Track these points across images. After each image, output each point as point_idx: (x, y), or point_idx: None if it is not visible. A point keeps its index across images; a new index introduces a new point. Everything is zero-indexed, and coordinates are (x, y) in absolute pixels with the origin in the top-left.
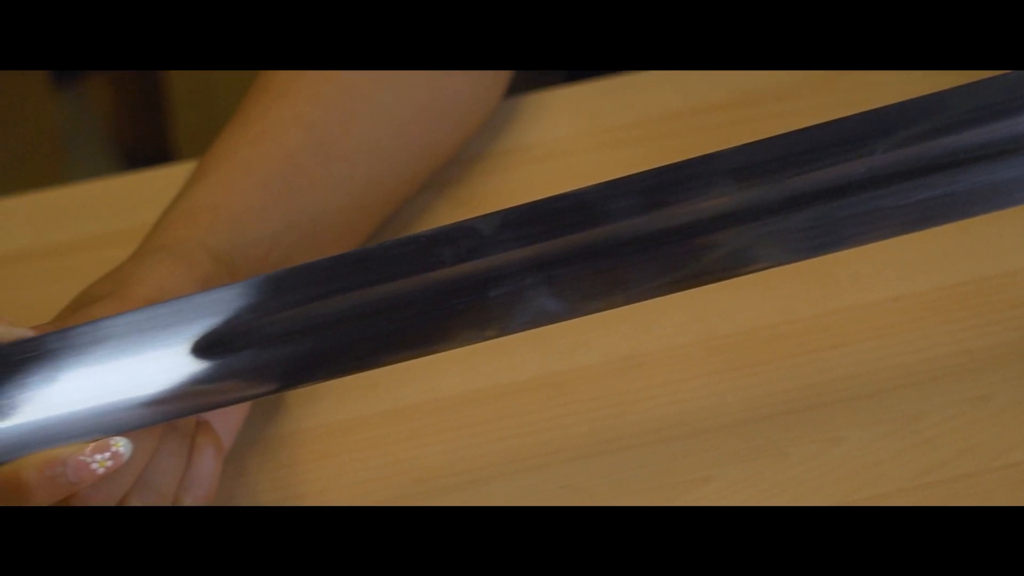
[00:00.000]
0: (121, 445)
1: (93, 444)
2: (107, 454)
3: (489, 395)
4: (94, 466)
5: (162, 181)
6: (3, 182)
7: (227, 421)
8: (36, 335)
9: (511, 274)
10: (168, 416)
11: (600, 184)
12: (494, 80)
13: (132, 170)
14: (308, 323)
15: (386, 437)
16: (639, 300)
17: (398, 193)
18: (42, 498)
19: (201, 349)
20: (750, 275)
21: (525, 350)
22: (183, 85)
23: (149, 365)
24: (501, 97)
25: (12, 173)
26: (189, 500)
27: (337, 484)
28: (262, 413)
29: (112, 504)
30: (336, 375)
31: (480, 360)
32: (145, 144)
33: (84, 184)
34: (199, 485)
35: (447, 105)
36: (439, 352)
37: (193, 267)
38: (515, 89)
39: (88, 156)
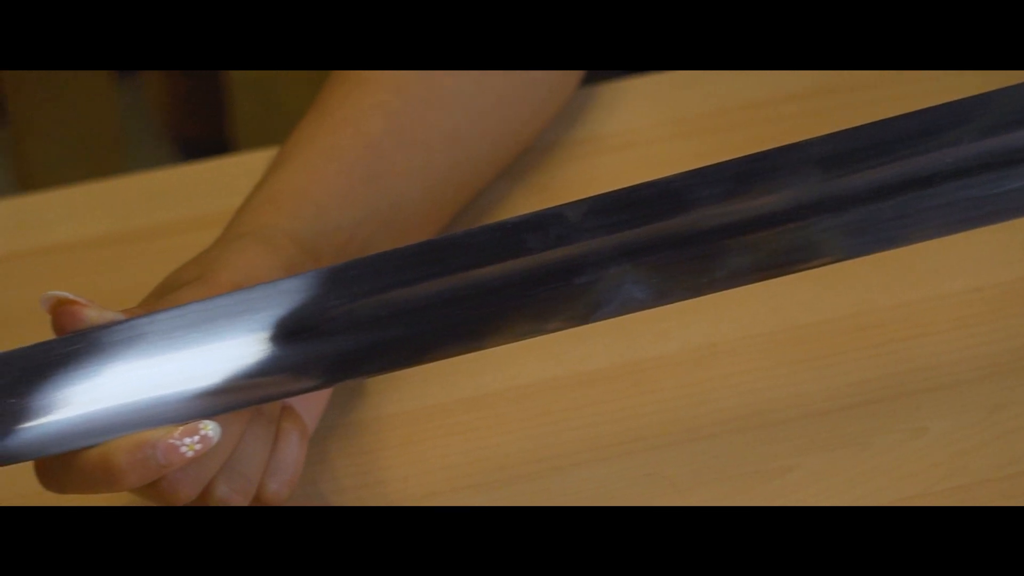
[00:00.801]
0: (210, 428)
1: (182, 427)
2: (196, 437)
3: (568, 383)
4: (183, 449)
5: (233, 169)
6: (66, 172)
7: (310, 407)
8: (127, 318)
9: (597, 262)
10: (253, 401)
11: (686, 172)
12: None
13: (189, 162)
14: (394, 309)
15: (467, 424)
16: (724, 288)
17: (475, 181)
18: (132, 481)
19: (288, 334)
20: (831, 265)
21: (603, 339)
22: (241, 77)
23: (237, 349)
24: (577, 86)
25: (74, 164)
26: (274, 485)
27: (420, 470)
28: (343, 399)
29: (199, 488)
30: (421, 362)
31: (559, 349)
32: (203, 136)
33: (157, 172)
34: (284, 470)
35: (524, 94)
36: (525, 339)
37: (278, 253)
38: (591, 78)
39: (146, 148)
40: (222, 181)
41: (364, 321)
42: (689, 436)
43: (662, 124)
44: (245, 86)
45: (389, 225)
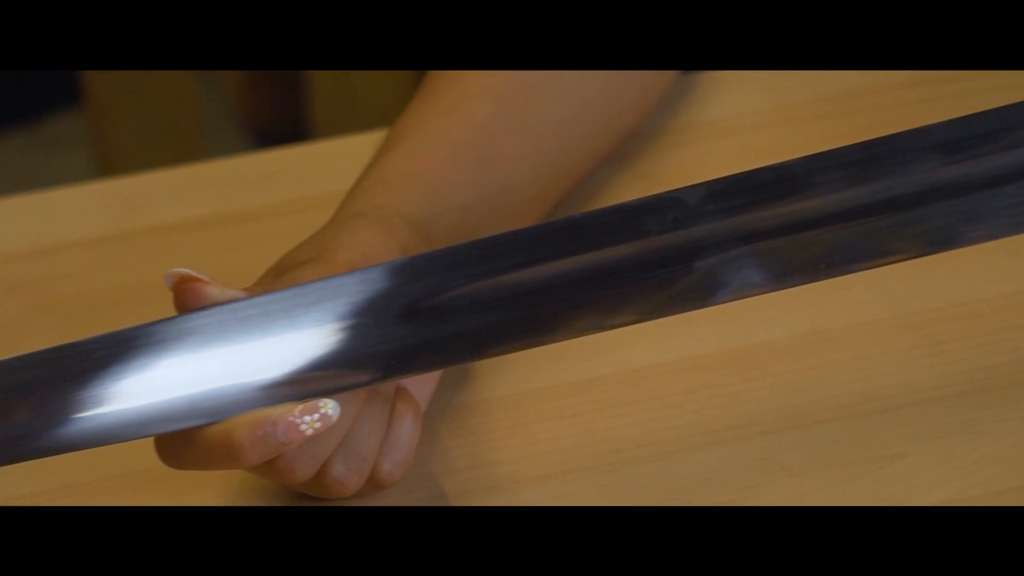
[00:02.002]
0: (329, 407)
1: (302, 405)
2: (316, 415)
3: (677, 368)
4: (303, 427)
5: (330, 153)
6: (147, 157)
7: (421, 388)
8: (247, 296)
9: (716, 245)
10: (375, 380)
11: (805, 157)
12: None
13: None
14: (514, 291)
15: (577, 407)
16: (842, 274)
17: (581, 167)
18: (252, 458)
19: (410, 314)
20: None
21: (710, 325)
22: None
23: (360, 329)
24: (679, 73)
25: (155, 150)
26: (388, 465)
27: (530, 452)
28: (451, 381)
29: (315, 467)
30: (539, 343)
31: (667, 334)
32: (278, 124)
33: (260, 155)
34: (398, 451)
35: (629, 80)
36: (643, 322)
37: (392, 234)
38: None
39: (223, 136)
40: (320, 165)
41: (483, 302)
42: (800, 422)
43: (764, 111)
44: (323, 76)
45: (497, 209)
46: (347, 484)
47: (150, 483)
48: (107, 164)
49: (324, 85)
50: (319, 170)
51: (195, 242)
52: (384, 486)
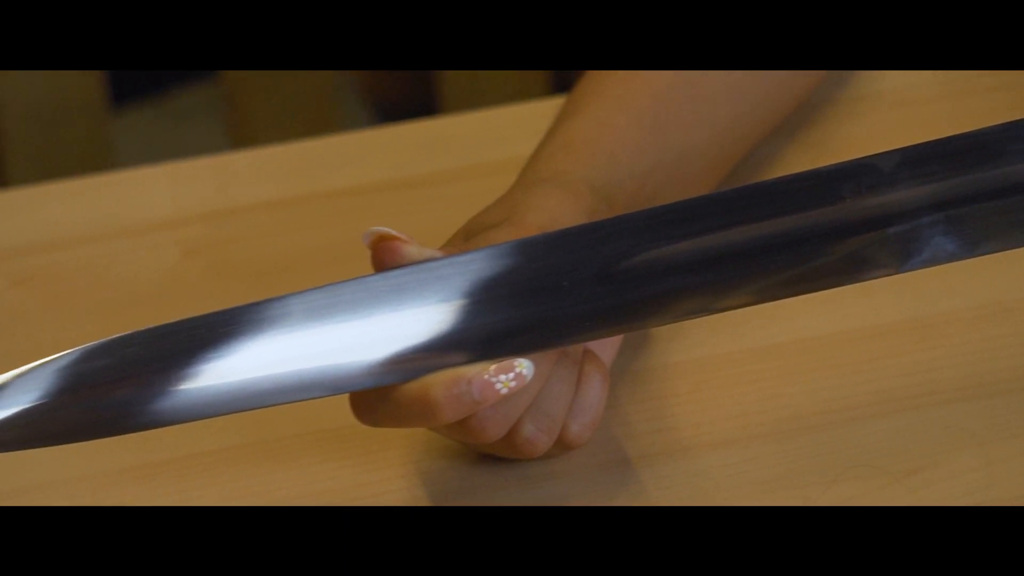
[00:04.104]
0: (524, 367)
1: (497, 364)
2: (511, 374)
3: (856, 337)
4: (498, 386)
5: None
6: (280, 130)
7: (603, 353)
8: (443, 256)
9: (910, 212)
10: (570, 341)
11: (1000, 125)
12: None
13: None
14: (709, 253)
15: (758, 373)
16: None
17: (754, 134)
18: (447, 415)
19: (606, 278)
20: None
21: (889, 294)
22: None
23: (556, 291)
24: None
25: (288, 123)
26: (576, 426)
27: (712, 417)
28: (630, 347)
29: (507, 427)
30: (734, 306)
31: (844, 302)
32: (405, 100)
33: (433, 120)
34: (586, 412)
35: None
36: (836, 287)
37: (579, 199)
38: None
39: (348, 110)
40: (491, 132)
41: (678, 265)
42: (985, 391)
43: (935, 84)
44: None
45: (674, 176)
46: (537, 444)
47: (337, 442)
48: (237, 136)
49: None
50: (490, 137)
51: (368, 206)
52: (571, 447)
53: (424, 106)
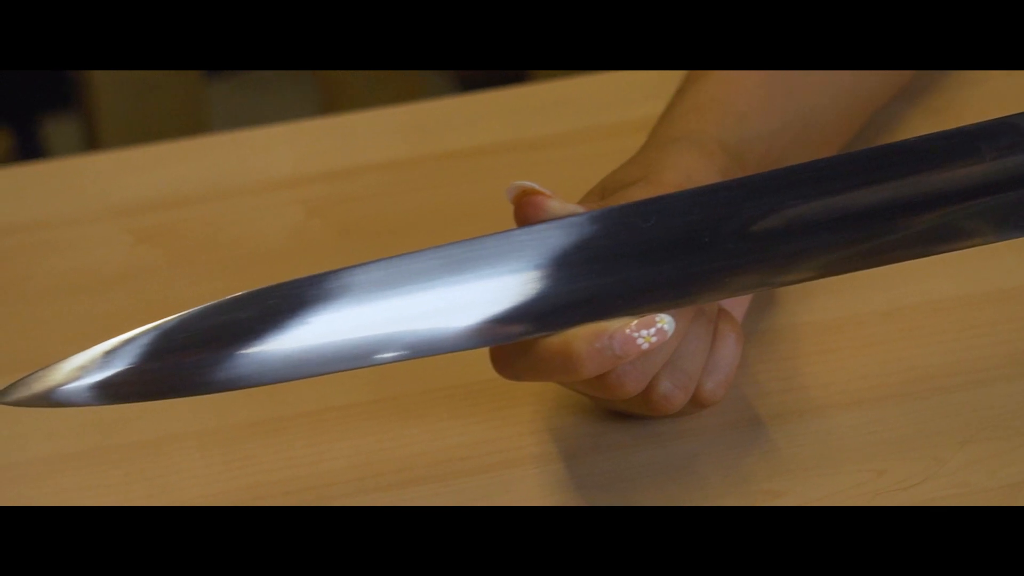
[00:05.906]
0: (665, 322)
1: (638, 320)
2: (652, 330)
3: (982, 300)
4: (639, 341)
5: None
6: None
7: (735, 311)
8: (586, 211)
9: None
10: (712, 297)
11: None
12: None
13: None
14: (849, 211)
15: (883, 335)
16: None
17: (877, 96)
18: (588, 369)
19: (747, 235)
20: None
21: (1016, 256)
22: None
23: (698, 247)
24: None
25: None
26: (711, 384)
27: (840, 378)
28: (756, 307)
29: (644, 383)
30: (872, 264)
31: (970, 265)
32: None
33: (552, 83)
34: (721, 370)
35: None
36: (974, 246)
37: (713, 158)
38: None
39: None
40: (610, 95)
41: (818, 223)
42: None
43: None
44: None
45: (800, 138)
46: (673, 401)
47: (467, 398)
48: (329, 102)
49: None
50: (609, 100)
51: (489, 167)
52: (706, 405)
53: (504, 76)
